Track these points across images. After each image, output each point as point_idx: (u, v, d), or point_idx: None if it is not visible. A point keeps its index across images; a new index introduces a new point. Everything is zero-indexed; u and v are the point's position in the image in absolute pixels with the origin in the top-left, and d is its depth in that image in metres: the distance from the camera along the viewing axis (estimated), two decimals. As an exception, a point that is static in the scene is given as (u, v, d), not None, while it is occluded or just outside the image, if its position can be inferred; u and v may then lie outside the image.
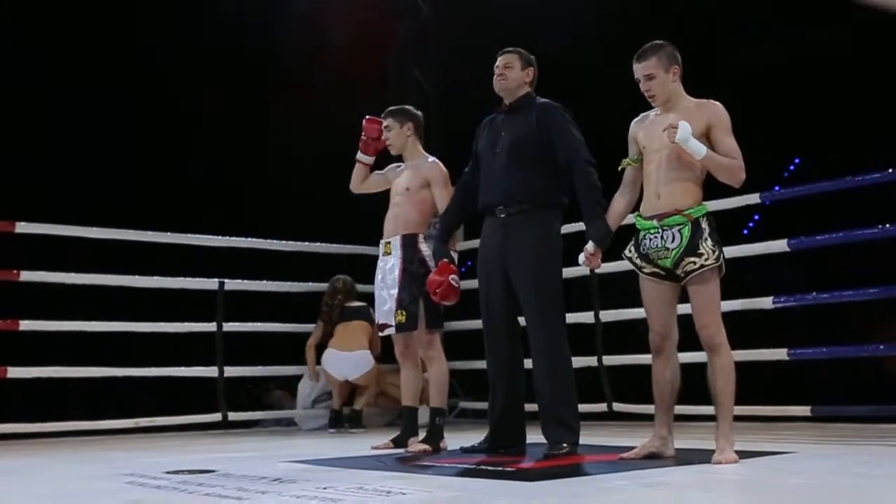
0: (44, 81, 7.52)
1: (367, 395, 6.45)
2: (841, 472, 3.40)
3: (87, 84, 7.67)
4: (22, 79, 7.31)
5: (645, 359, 3.96)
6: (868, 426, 5.13)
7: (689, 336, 3.78)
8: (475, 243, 4.48)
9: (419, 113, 4.96)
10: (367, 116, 4.89)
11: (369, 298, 5.18)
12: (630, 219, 3.91)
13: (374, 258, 4.89)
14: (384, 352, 6.25)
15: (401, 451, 4.53)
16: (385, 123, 4.84)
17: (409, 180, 4.76)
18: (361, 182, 4.98)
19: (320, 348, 6.50)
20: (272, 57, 8.42)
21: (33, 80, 7.44)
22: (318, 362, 6.48)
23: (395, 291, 4.61)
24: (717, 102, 3.74)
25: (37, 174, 7.47)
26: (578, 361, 4.69)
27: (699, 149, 3.58)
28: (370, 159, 4.94)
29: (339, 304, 6.52)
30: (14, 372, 5.60)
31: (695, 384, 3.97)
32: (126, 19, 7.90)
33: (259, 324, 6.70)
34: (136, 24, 7.95)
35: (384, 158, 5.03)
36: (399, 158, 4.94)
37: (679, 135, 3.56)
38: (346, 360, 6.32)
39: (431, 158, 4.83)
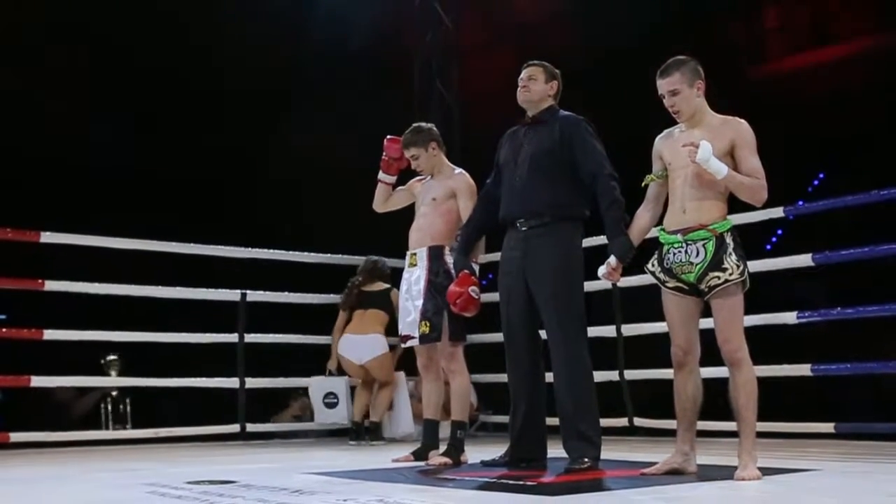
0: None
1: (385, 401, 6.40)
2: (865, 491, 3.36)
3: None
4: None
5: (666, 373, 3.93)
6: (893, 444, 5.07)
7: (711, 351, 3.76)
8: (496, 256, 4.47)
9: (433, 126, 4.94)
10: (388, 136, 4.89)
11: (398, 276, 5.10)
12: (653, 232, 3.90)
13: (400, 270, 4.89)
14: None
15: (421, 464, 4.52)
16: (410, 153, 4.80)
17: (436, 191, 4.76)
18: (384, 202, 4.98)
19: None
20: (294, 69, 8.46)
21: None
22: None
23: (419, 303, 4.60)
24: (742, 120, 3.71)
25: (63, 185, 7.54)
26: (600, 375, 4.67)
27: (720, 168, 3.56)
28: (392, 179, 4.94)
29: (356, 288, 6.50)
30: (38, 381, 5.64)
31: (717, 399, 3.95)
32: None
33: (281, 335, 6.71)
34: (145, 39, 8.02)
35: (405, 173, 5.03)
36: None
37: (700, 154, 3.54)
38: (361, 342, 6.34)
39: (458, 170, 4.82)
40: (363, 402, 6.37)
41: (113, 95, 7.92)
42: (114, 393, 7.45)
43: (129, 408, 7.43)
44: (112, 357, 7.27)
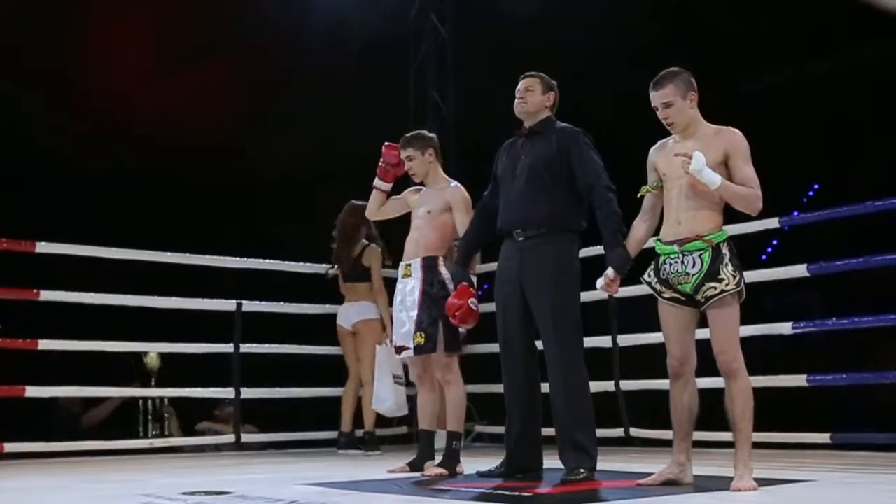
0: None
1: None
2: (861, 501, 3.36)
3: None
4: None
5: (662, 384, 3.94)
6: (889, 454, 5.07)
7: (707, 361, 3.76)
8: (493, 266, 4.47)
9: (435, 136, 4.97)
10: (386, 143, 4.89)
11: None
12: (649, 243, 3.91)
13: (393, 280, 4.88)
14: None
15: (417, 474, 4.51)
16: (406, 154, 4.81)
17: (431, 203, 4.76)
18: (378, 209, 4.98)
19: None
20: (289, 78, 8.46)
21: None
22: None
23: (414, 313, 4.59)
24: (736, 130, 3.73)
25: (56, 194, 7.52)
26: (596, 386, 4.67)
27: (713, 179, 3.57)
28: (388, 186, 4.94)
29: (338, 272, 6.52)
30: (32, 391, 5.62)
31: (713, 410, 3.95)
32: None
33: (276, 345, 6.69)
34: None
35: (401, 182, 5.04)
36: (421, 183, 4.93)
37: (693, 165, 3.56)
38: (352, 307, 6.41)
39: (454, 183, 4.83)
40: (350, 410, 6.35)
41: (110, 97, 7.90)
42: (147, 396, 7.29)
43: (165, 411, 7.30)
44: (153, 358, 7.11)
